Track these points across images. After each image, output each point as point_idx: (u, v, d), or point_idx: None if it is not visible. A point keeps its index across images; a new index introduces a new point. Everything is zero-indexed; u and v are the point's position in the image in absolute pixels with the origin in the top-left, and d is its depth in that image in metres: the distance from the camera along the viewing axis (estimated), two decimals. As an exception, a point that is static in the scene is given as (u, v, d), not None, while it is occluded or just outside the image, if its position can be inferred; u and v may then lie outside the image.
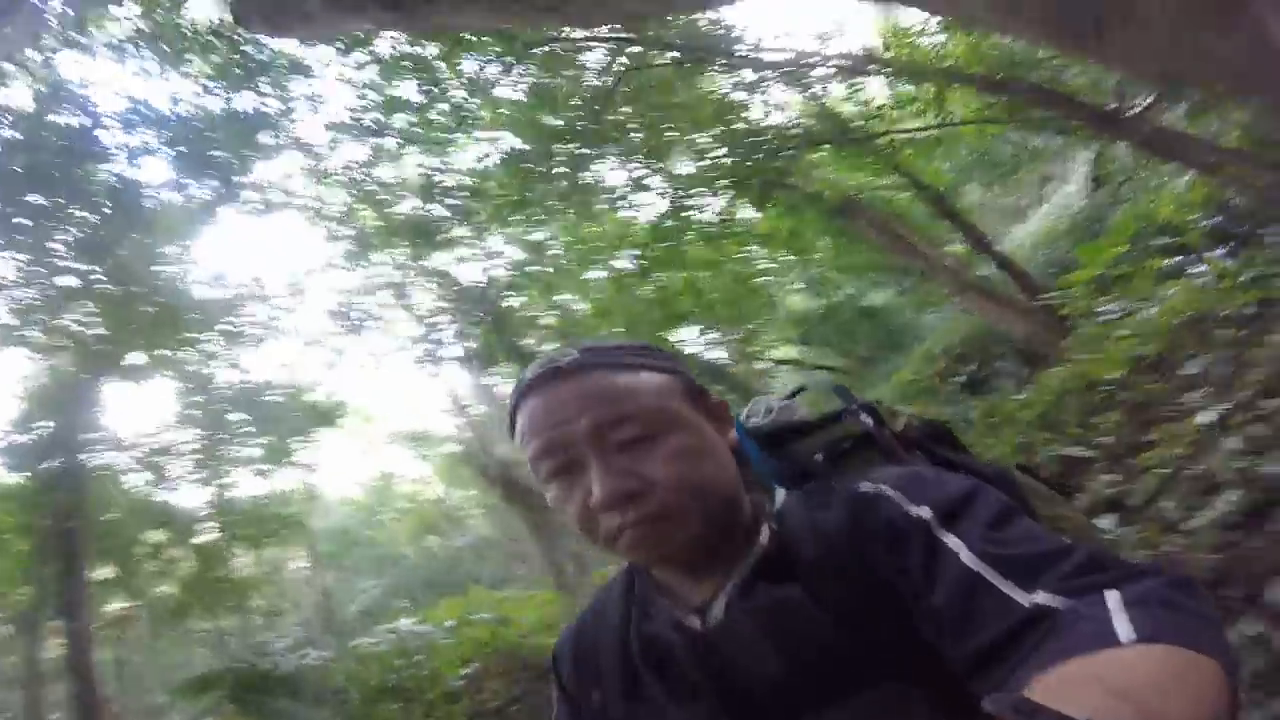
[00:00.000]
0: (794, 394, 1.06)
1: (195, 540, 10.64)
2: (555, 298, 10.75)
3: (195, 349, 9.73)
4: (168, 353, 9.61)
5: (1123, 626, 0.55)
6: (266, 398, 10.36)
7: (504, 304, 10.46)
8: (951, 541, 0.68)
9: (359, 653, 5.47)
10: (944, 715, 0.69)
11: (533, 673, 5.13)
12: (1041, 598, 0.61)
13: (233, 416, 10.36)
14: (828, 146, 8.11)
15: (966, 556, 0.66)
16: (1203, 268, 5.10)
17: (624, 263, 9.25)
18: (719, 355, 13.78)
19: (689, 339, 12.49)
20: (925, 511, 0.72)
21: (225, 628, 12.87)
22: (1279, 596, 2.34)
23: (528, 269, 10.15)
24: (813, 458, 0.91)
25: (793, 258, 10.76)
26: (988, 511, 0.70)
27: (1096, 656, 0.53)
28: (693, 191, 8.11)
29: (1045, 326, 6.91)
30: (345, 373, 12.17)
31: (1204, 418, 3.42)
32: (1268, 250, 4.27)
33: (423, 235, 8.67)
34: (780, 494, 0.88)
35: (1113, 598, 0.58)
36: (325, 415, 11.12)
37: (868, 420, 0.95)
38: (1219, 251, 4.84)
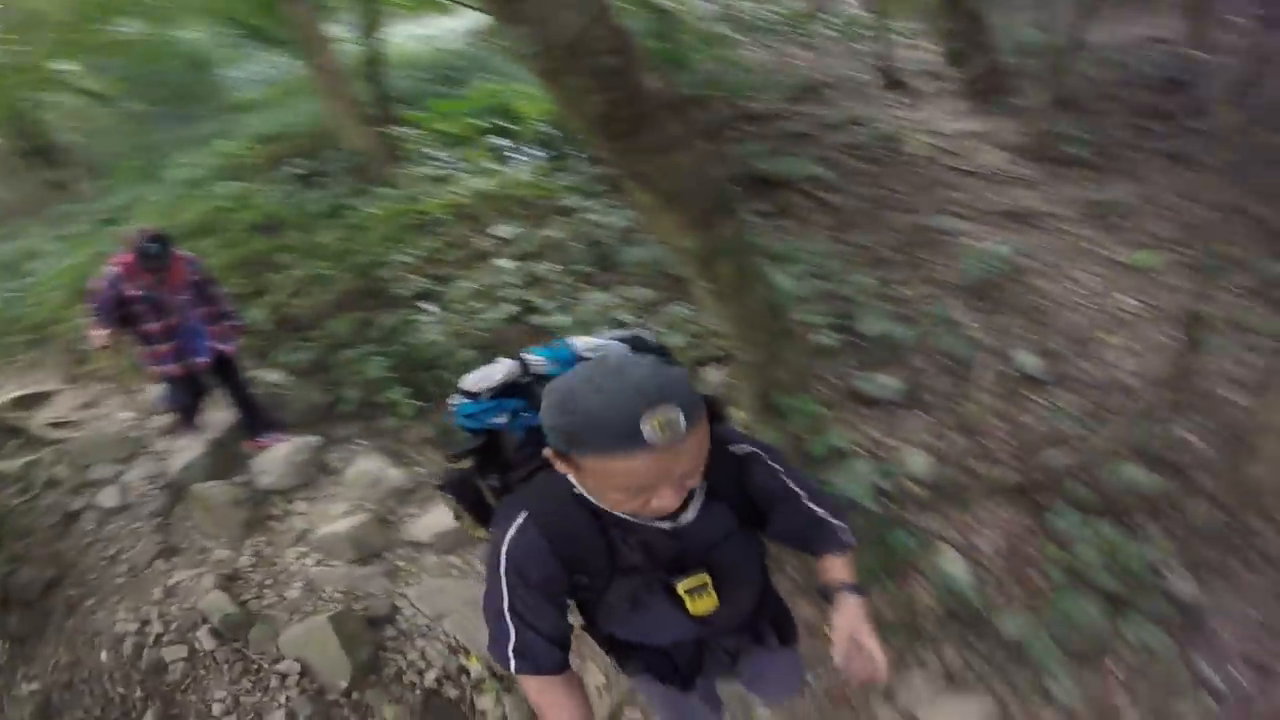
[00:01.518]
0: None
1: None
2: None
3: None
4: None
5: (848, 537, 1.68)
6: None
7: None
8: (787, 479, 1.61)
9: None
10: (761, 549, 1.74)
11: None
12: (820, 512, 1.63)
13: None
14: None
15: (792, 487, 1.61)
16: (522, 158, 7.18)
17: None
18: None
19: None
20: (776, 464, 1.61)
21: None
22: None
23: None
24: None
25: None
26: (790, 465, 1.64)
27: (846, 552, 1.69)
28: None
29: (382, 147, 7.94)
30: None
31: (501, 263, 5.37)
32: (565, 171, 6.52)
33: None
34: None
35: (845, 519, 1.67)
36: None
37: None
38: (540, 153, 6.97)
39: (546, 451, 1.37)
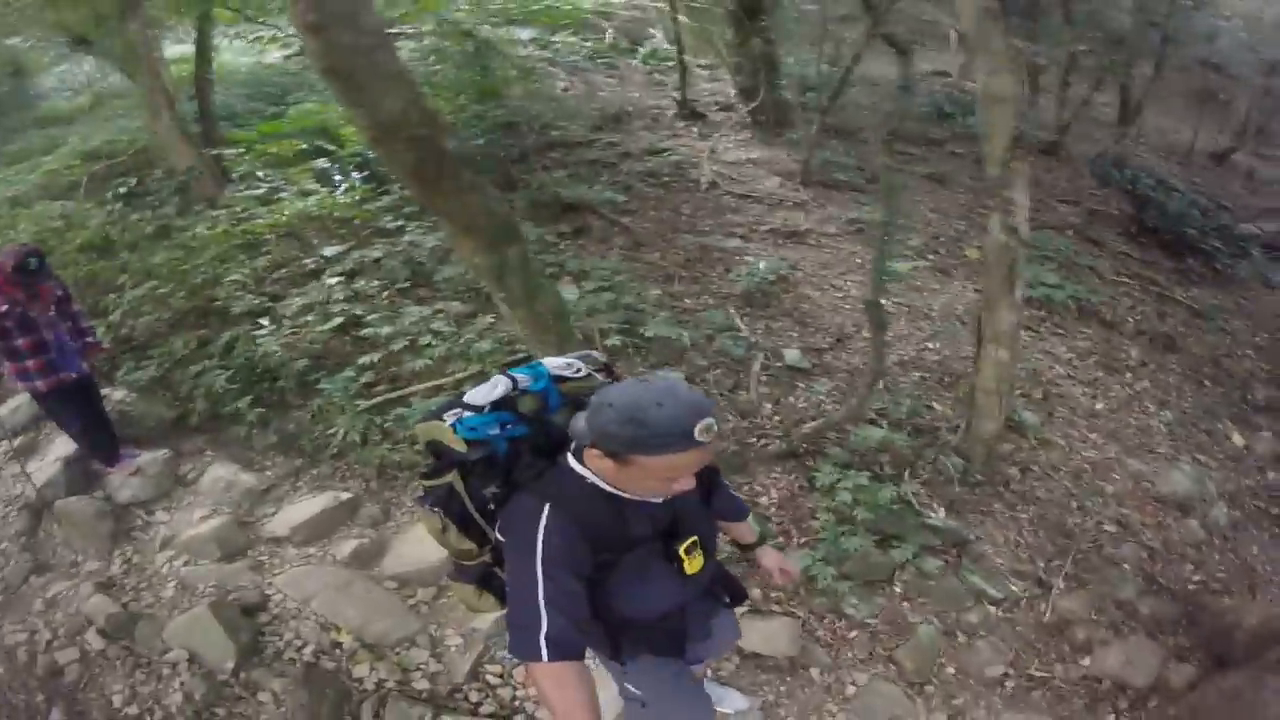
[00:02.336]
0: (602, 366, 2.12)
1: None
2: None
3: None
4: None
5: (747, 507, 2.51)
6: None
7: None
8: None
9: None
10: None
11: None
12: (733, 490, 2.41)
13: None
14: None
15: (716, 468, 2.24)
16: (342, 180, 7.73)
17: None
18: None
19: None
20: None
21: None
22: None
23: None
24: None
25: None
26: None
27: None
28: None
29: (207, 167, 8.14)
30: None
31: (327, 281, 5.96)
32: (384, 194, 7.15)
33: None
34: None
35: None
36: None
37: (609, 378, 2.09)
38: (356, 175, 7.57)
39: (591, 454, 1.76)
